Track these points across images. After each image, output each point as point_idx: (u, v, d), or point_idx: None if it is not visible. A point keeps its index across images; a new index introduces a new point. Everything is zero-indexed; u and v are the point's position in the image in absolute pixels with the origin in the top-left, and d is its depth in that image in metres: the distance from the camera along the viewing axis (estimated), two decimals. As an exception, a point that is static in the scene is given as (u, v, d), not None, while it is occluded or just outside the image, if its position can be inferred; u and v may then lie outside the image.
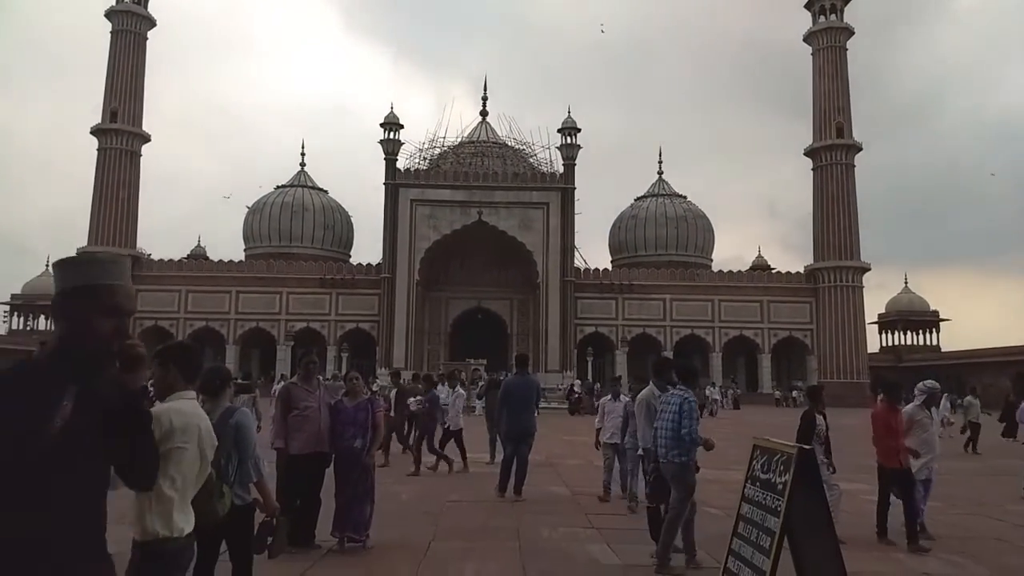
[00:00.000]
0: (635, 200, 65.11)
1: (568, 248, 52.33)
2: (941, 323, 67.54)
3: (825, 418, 7.47)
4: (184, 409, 2.84)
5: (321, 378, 6.93)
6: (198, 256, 61.55)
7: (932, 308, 67.49)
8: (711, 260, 63.26)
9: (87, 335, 1.82)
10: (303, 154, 65.20)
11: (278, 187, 62.78)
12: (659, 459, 5.97)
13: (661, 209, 62.10)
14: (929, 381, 7.94)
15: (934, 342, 67.17)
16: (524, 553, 6.35)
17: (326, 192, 63.63)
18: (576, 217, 52.77)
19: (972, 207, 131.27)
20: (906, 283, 69.81)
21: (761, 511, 3.82)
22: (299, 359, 7.01)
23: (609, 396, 10.20)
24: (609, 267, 59.85)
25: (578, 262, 54.58)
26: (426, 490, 9.95)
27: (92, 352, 1.83)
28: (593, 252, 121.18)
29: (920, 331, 67.67)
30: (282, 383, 11.65)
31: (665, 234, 60.89)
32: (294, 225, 59.67)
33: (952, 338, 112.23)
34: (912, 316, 66.86)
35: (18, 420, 1.67)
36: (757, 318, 54.90)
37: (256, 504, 4.24)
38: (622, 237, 63.28)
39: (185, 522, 2.73)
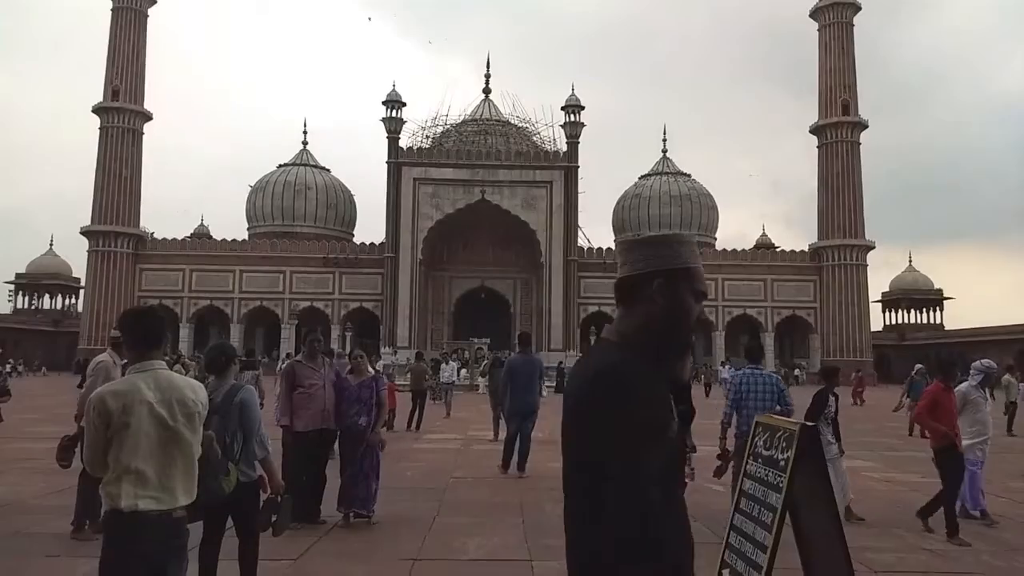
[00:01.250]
0: (639, 179, 64.89)
1: (571, 227, 52.23)
2: (945, 301, 67.49)
3: (837, 399, 7.37)
4: (118, 389, 2.69)
5: (325, 356, 6.95)
6: (201, 235, 61.59)
7: (936, 287, 67.40)
8: (715, 239, 63.14)
9: (683, 322, 1.59)
10: (305, 132, 65.03)
11: (280, 165, 62.63)
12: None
13: (665, 187, 61.89)
14: (986, 360, 7.58)
15: (937, 320, 67.14)
16: (528, 528, 6.41)
17: (328, 171, 63.48)
18: (580, 196, 52.66)
19: (977, 185, 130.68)
20: (910, 261, 69.73)
21: (763, 487, 3.83)
22: (303, 338, 7.03)
23: None
24: (613, 246, 59.77)
25: (581, 241, 54.57)
26: (431, 468, 10.04)
27: (682, 341, 1.62)
28: (597, 231, 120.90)
29: (923, 309, 67.63)
30: (287, 362, 11.72)
31: (669, 212, 60.72)
32: (296, 204, 59.58)
33: (955, 316, 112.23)
34: (916, 294, 66.77)
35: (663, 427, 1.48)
36: (760, 296, 54.87)
37: (261, 481, 4.27)
38: (626, 215, 63.12)
39: (143, 499, 2.59)
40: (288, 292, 53.49)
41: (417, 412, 15.33)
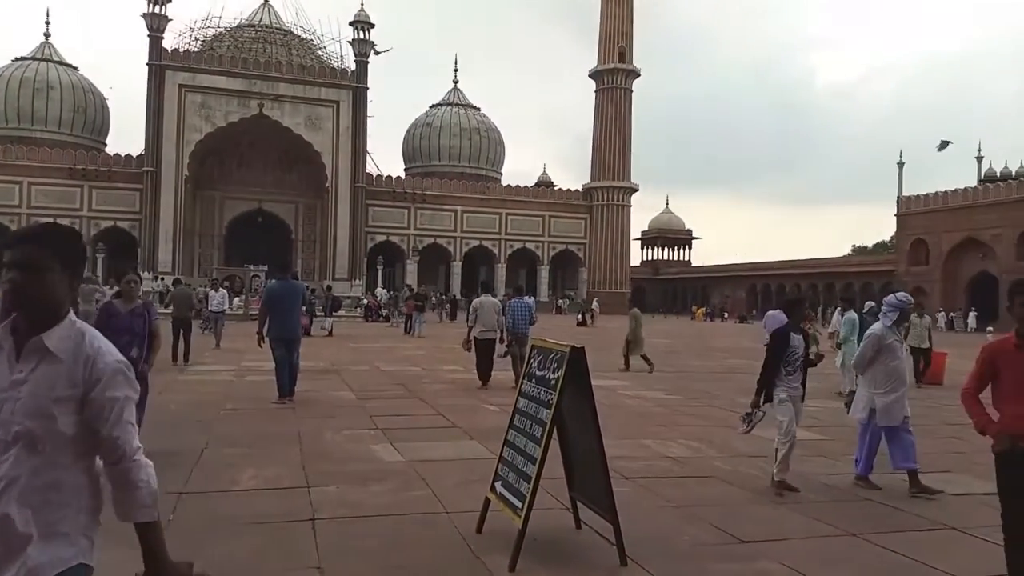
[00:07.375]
0: (430, 107, 64.25)
1: (360, 151, 50.66)
2: (693, 241, 76.53)
3: (807, 338, 5.91)
4: None
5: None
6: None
7: (687, 227, 75.97)
8: (501, 174, 64.88)
9: None
10: (48, 22, 55.94)
11: (16, 59, 53.49)
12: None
13: (456, 119, 62.02)
14: (901, 293, 6.00)
15: (686, 257, 76.12)
16: (305, 456, 6.29)
17: (76, 69, 55.27)
18: (369, 120, 51.12)
19: (733, 138, 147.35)
20: (667, 204, 77.46)
21: (535, 404, 4.09)
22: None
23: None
24: (403, 175, 59.05)
25: (371, 168, 53.30)
26: (199, 400, 9.42)
27: None
28: (386, 159, 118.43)
29: (676, 247, 76.40)
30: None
31: (459, 144, 61.14)
32: (37, 105, 51.43)
33: (701, 254, 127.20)
34: (670, 233, 74.98)
35: None
36: (539, 231, 57.89)
37: None
38: (416, 144, 62.48)
39: None
40: (26, 206, 46.47)
41: (183, 343, 14.20)
